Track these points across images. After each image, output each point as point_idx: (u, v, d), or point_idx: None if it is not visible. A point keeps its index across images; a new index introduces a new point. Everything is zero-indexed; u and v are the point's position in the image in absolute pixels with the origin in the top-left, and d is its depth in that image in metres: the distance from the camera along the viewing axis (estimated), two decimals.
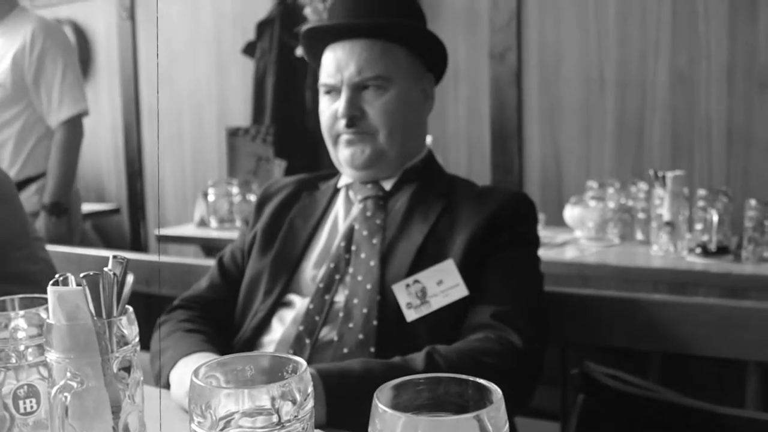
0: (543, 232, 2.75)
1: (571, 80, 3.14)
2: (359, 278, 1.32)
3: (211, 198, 3.33)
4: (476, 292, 1.28)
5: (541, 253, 2.44)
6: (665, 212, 2.39)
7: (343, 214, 1.45)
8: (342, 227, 1.43)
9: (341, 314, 1.29)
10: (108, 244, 4.62)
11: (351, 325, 1.28)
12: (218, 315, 1.43)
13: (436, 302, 1.26)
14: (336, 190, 1.50)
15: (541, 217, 2.85)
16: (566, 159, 3.17)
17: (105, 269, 0.76)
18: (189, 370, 1.19)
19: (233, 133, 3.65)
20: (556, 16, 3.16)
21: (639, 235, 2.61)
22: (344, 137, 1.41)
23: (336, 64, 1.40)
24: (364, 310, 1.28)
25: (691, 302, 1.48)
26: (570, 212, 2.73)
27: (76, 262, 2.18)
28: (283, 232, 1.45)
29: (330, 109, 1.43)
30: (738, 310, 1.43)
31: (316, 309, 1.32)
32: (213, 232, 3.27)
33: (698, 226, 2.38)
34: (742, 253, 2.27)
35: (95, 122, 4.78)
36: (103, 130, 4.75)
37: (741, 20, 2.79)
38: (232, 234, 3.10)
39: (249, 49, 3.92)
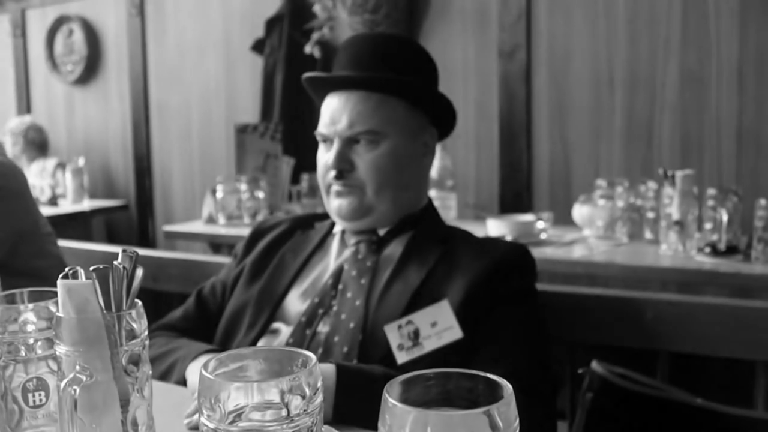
0: (551, 231, 2.75)
1: (581, 78, 3.13)
2: (342, 316, 1.30)
3: (219, 195, 3.34)
4: (484, 346, 1.24)
5: (550, 251, 2.46)
6: (674, 211, 2.38)
7: (335, 254, 1.44)
8: (332, 266, 1.42)
9: (320, 350, 1.28)
10: (116, 240, 4.64)
11: (331, 361, 1.24)
12: None
13: (429, 344, 1.23)
14: (331, 230, 1.50)
15: (549, 215, 2.84)
16: (575, 157, 3.16)
17: (114, 263, 0.76)
18: None
19: (242, 130, 3.66)
20: (565, 13, 3.15)
21: (648, 234, 2.60)
22: (334, 188, 1.41)
23: (331, 115, 1.39)
24: (345, 349, 1.26)
25: (700, 302, 1.48)
26: (578, 211, 2.72)
27: (85, 257, 2.18)
28: (272, 266, 1.45)
29: (323, 159, 1.43)
30: (747, 310, 1.43)
31: (296, 343, 1.30)
32: (221, 228, 3.28)
33: (708, 226, 2.37)
34: (752, 252, 2.26)
35: (105, 119, 4.80)
36: (112, 127, 4.76)
37: (752, 19, 2.78)
38: (240, 231, 3.11)
39: (258, 46, 3.92)
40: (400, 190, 1.41)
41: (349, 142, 1.38)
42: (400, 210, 1.42)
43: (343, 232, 1.47)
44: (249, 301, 1.40)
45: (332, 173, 1.39)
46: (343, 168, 1.38)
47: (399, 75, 1.39)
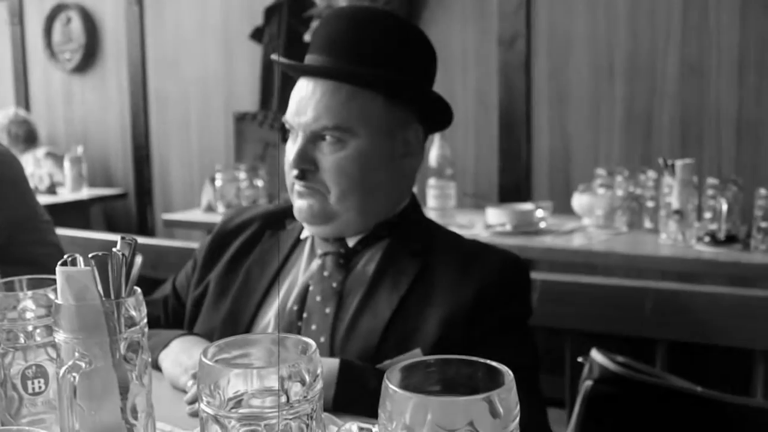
0: (551, 220, 2.75)
1: (581, 68, 3.12)
2: None
3: (218, 183, 3.33)
4: None
5: (549, 240, 2.46)
6: (674, 201, 2.37)
7: (303, 266, 1.29)
8: (300, 281, 1.27)
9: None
10: (115, 229, 4.64)
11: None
12: None
13: None
14: (301, 233, 1.33)
15: (548, 204, 2.84)
16: (575, 146, 3.16)
17: (113, 250, 0.76)
18: (185, 348, 1.17)
19: (240, 119, 3.65)
20: (566, 2, 3.14)
21: (647, 224, 2.60)
22: (296, 188, 1.25)
23: (297, 104, 1.23)
24: None
25: (699, 291, 1.48)
26: (578, 200, 2.72)
27: (84, 245, 2.18)
28: (238, 285, 1.29)
29: (289, 152, 1.26)
30: (746, 299, 1.43)
31: None
32: (220, 217, 3.27)
33: (707, 215, 2.37)
34: (751, 242, 2.26)
35: (103, 107, 4.79)
36: (111, 116, 4.75)
37: (752, 10, 2.77)
38: None
39: (257, 35, 3.90)
40: (369, 196, 1.23)
41: (313, 138, 1.21)
42: (370, 217, 1.25)
43: (312, 237, 1.31)
44: (213, 331, 1.26)
45: (294, 172, 1.23)
46: (305, 168, 1.22)
47: (376, 66, 1.21)
